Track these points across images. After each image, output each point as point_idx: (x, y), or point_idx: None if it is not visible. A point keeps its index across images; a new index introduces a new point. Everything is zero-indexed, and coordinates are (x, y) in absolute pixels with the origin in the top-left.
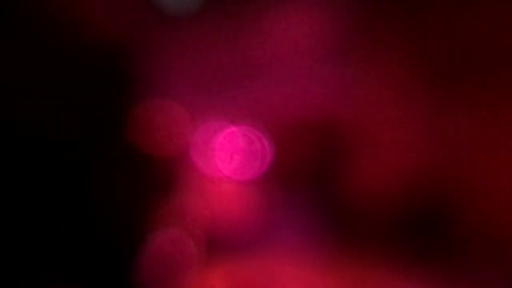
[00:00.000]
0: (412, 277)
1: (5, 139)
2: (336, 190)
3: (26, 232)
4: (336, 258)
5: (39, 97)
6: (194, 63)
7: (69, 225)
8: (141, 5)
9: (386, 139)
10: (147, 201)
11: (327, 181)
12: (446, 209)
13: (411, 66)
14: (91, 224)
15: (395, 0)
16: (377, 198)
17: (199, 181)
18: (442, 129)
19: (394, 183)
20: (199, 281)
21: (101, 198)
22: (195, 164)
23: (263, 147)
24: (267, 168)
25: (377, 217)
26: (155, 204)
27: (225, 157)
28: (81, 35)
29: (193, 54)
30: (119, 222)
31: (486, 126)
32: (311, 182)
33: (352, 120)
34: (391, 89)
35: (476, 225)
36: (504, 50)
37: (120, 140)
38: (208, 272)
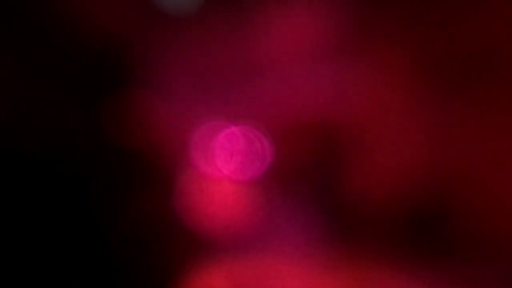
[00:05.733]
0: (413, 277)
1: (4, 137)
2: (337, 190)
3: (24, 234)
4: (337, 259)
5: (38, 96)
6: (194, 62)
7: (66, 227)
8: (141, 5)
9: (387, 140)
10: (147, 201)
11: (327, 181)
12: (447, 209)
13: (412, 66)
14: (89, 225)
15: (396, 1)
16: (378, 198)
17: (199, 181)
18: (443, 130)
19: (395, 183)
20: (199, 281)
21: (99, 199)
22: (195, 164)
23: (263, 147)
24: (267, 168)
25: (377, 217)
26: (155, 204)
27: (225, 157)
28: (80, 35)
29: (193, 53)
30: (118, 223)
31: (487, 126)
32: (311, 182)
33: (353, 121)
34: (393, 89)
35: (477, 225)
36: (506, 51)
37: (119, 139)
38: (208, 272)
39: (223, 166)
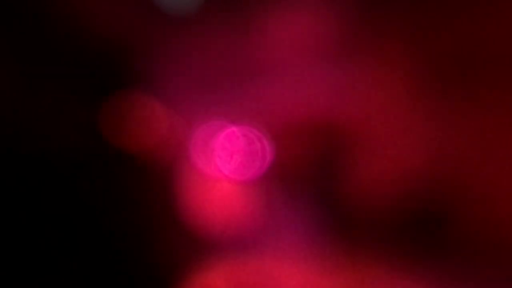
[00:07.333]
0: (412, 277)
1: (3, 137)
2: (337, 191)
3: (23, 235)
4: (337, 259)
5: (37, 97)
6: (194, 62)
7: (66, 227)
8: (141, 5)
9: (387, 140)
10: (147, 202)
11: (327, 181)
12: (446, 209)
13: (412, 67)
14: (88, 225)
15: (396, 2)
16: (378, 199)
17: (199, 181)
18: (442, 130)
19: (394, 184)
20: (199, 281)
21: (99, 198)
22: (195, 164)
23: (263, 147)
24: (267, 168)
25: (377, 218)
26: (155, 205)
27: (225, 157)
28: (80, 35)
29: (193, 54)
30: (118, 223)
31: (486, 127)
32: (311, 182)
33: (353, 121)
34: (392, 90)
35: (477, 225)
36: (505, 52)
37: (119, 139)
38: (208, 272)
39: (223, 166)
